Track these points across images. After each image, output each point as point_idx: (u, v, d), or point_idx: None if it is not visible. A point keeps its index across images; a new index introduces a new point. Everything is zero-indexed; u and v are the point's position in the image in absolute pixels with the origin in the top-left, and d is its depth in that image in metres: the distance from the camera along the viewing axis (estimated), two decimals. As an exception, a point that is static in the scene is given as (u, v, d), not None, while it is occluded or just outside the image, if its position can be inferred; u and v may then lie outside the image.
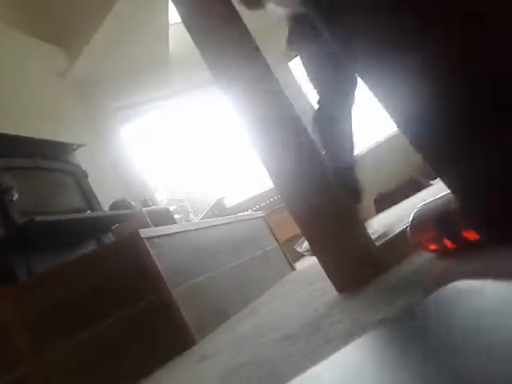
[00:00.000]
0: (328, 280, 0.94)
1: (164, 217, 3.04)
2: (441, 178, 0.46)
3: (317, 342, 0.60)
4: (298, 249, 3.76)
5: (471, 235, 0.63)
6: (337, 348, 0.53)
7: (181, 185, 6.14)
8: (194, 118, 6.19)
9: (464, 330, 0.31)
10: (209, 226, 2.02)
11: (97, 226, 2.24)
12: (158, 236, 1.56)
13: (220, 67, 1.04)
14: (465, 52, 0.41)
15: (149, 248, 1.44)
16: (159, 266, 1.43)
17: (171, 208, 5.57)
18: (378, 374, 0.30)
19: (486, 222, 0.43)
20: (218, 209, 4.17)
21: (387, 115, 0.48)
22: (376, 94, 0.48)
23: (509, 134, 0.40)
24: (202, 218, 4.15)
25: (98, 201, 2.33)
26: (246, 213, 3.45)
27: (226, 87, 1.03)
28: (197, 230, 1.89)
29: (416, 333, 0.36)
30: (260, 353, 0.74)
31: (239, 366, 0.72)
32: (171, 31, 4.61)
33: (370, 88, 0.47)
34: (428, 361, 0.28)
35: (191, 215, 5.85)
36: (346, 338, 0.54)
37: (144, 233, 1.47)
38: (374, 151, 5.70)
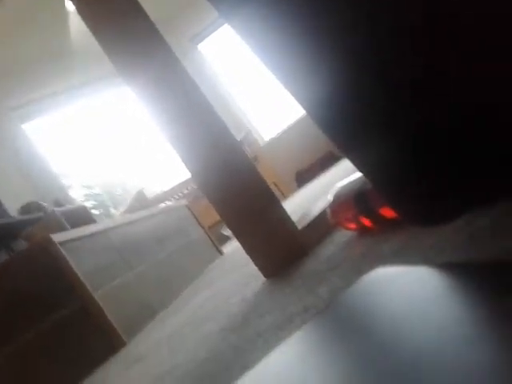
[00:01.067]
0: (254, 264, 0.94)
1: (81, 215, 2.88)
2: (349, 159, 0.45)
3: (248, 337, 0.59)
4: (225, 232, 3.77)
5: (387, 212, 0.65)
6: (267, 342, 0.52)
7: (97, 178, 5.85)
8: (106, 110, 5.91)
9: (390, 320, 0.31)
10: (130, 222, 1.94)
11: (5, 234, 2.07)
12: (74, 239, 1.46)
13: (122, 59, 0.99)
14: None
15: (64, 253, 1.35)
16: (78, 270, 1.34)
17: (89, 204, 5.32)
18: (311, 374, 0.29)
19: (400, 206, 0.44)
20: (140, 200, 4.05)
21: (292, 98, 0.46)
22: (277, 78, 0.45)
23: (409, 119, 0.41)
24: (125, 212, 4.01)
25: (2, 206, 2.15)
26: (169, 203, 3.37)
27: (130, 79, 0.97)
28: (117, 227, 1.80)
29: (343, 327, 0.35)
30: (192, 351, 0.72)
31: (173, 367, 0.70)
32: (72, 19, 4.32)
33: (271, 71, 0.45)
34: (360, 357, 0.28)
35: (111, 209, 5.62)
36: (276, 331, 0.53)
37: (57, 237, 1.38)
38: (293, 128, 5.82)
